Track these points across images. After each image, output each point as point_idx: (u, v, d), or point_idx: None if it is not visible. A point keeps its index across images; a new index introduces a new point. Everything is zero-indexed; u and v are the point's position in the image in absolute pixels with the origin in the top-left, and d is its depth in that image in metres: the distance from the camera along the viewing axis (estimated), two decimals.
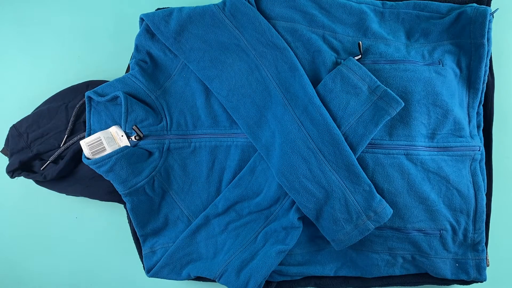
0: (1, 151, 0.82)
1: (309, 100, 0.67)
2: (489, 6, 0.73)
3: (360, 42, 0.70)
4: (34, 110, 0.83)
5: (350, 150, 0.66)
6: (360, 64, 0.68)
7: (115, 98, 0.74)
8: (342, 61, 0.70)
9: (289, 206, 0.71)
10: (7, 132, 0.82)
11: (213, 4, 0.74)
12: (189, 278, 0.75)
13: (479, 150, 0.71)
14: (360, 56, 0.70)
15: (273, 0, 0.73)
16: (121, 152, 0.71)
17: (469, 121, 0.72)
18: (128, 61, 0.80)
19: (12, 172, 0.79)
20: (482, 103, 0.73)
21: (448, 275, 0.73)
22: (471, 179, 0.71)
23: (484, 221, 0.71)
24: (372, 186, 0.66)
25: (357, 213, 0.66)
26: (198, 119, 0.75)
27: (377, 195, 0.66)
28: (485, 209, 0.71)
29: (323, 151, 0.66)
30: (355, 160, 0.66)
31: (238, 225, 0.74)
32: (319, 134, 0.66)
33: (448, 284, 0.76)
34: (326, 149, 0.66)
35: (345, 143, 0.66)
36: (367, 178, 0.66)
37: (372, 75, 0.67)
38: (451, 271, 0.72)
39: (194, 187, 0.75)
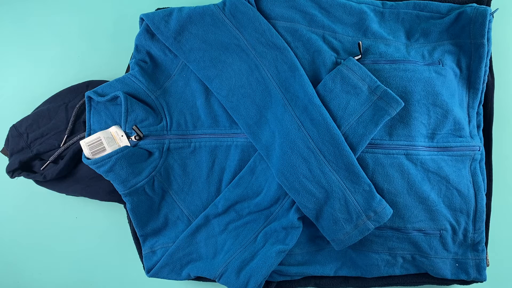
0: (1, 151, 0.82)
1: (309, 100, 0.67)
2: (489, 6, 0.73)
3: (360, 42, 0.70)
4: (34, 110, 0.83)
5: (350, 150, 0.66)
6: (360, 64, 0.68)
7: (115, 98, 0.74)
8: (342, 61, 0.70)
9: (289, 206, 0.71)
10: (7, 132, 0.82)
11: (213, 4, 0.74)
12: (189, 278, 0.75)
13: (479, 150, 0.71)
14: (360, 56, 0.70)
15: (273, 0, 0.73)
16: (121, 152, 0.71)
17: (469, 121, 0.72)
18: (128, 61, 0.80)
19: (12, 172, 0.79)
20: (482, 103, 0.73)
21: (448, 275, 0.73)
22: (471, 179, 0.70)
23: (484, 221, 0.71)
24: (372, 186, 0.66)
25: (357, 213, 0.66)
26: (198, 119, 0.75)
27: (377, 195, 0.66)
28: (485, 209, 0.71)
29: (323, 151, 0.66)
30: (355, 160, 0.66)
31: (238, 225, 0.74)
32: (319, 134, 0.66)
33: (448, 284, 0.76)
34: (326, 149, 0.66)
35: (345, 143, 0.66)
36: (367, 178, 0.66)
37: (372, 75, 0.67)
38: (451, 271, 0.72)
39: (194, 187, 0.75)
